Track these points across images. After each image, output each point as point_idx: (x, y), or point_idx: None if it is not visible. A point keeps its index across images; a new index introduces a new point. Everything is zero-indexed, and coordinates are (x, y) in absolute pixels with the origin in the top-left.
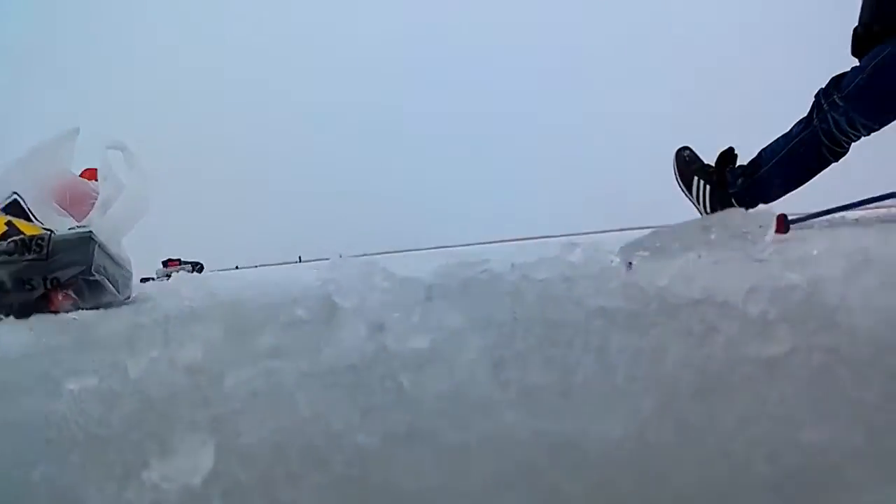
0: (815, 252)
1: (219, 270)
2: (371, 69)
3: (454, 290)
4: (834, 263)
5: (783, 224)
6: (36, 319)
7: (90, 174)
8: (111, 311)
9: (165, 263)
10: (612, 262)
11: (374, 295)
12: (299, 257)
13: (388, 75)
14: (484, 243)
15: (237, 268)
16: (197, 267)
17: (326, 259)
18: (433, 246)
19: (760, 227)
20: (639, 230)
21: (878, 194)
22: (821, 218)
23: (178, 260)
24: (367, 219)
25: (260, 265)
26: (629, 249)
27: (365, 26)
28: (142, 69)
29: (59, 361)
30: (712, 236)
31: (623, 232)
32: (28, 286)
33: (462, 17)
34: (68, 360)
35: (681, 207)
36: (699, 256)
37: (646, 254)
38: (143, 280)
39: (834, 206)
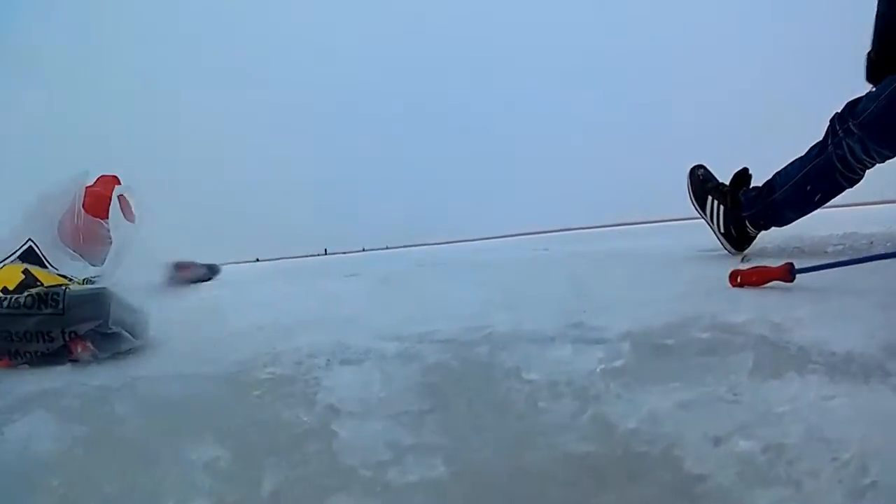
0: (779, 410)
1: (239, 263)
2: (391, 63)
3: (448, 397)
4: (791, 430)
5: (790, 273)
6: (57, 391)
7: (109, 180)
8: (128, 372)
9: (178, 267)
10: (598, 368)
11: (372, 423)
12: (325, 249)
13: (408, 68)
14: (497, 237)
15: (258, 260)
16: (214, 270)
17: (352, 252)
18: (454, 240)
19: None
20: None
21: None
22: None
23: (192, 263)
24: (390, 212)
25: (281, 258)
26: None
27: (379, 21)
28: (156, 64)
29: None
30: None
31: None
32: (48, 338)
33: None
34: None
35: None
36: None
37: (625, 379)
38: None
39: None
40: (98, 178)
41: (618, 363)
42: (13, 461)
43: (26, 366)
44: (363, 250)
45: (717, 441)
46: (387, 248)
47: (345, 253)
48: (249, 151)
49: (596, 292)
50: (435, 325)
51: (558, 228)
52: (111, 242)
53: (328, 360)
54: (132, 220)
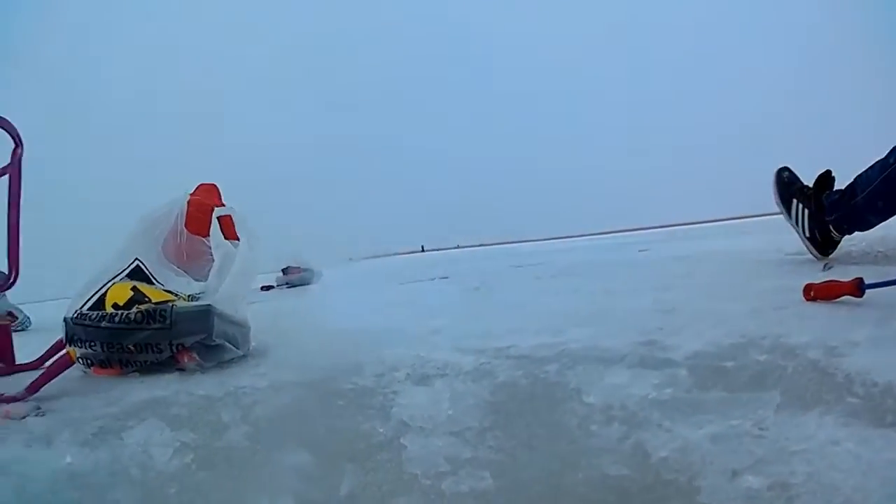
0: (793, 448)
1: (336, 262)
2: (487, 64)
3: (510, 416)
4: (798, 470)
5: (859, 288)
6: (166, 399)
7: (208, 188)
8: (231, 382)
9: (285, 271)
10: (650, 395)
11: (437, 439)
12: (422, 247)
13: (502, 68)
14: (601, 234)
15: (350, 259)
16: (314, 274)
17: (447, 249)
18: (556, 236)
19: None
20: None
21: None
22: None
23: (298, 268)
24: (483, 211)
25: (376, 256)
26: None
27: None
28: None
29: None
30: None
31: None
32: (156, 349)
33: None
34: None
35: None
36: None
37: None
38: (265, 288)
39: None
40: (198, 187)
41: (668, 391)
42: (133, 465)
43: (136, 374)
44: (458, 247)
45: (733, 475)
46: (482, 245)
47: (439, 250)
48: (341, 150)
49: (678, 304)
50: (513, 340)
51: (664, 224)
52: (213, 258)
53: (408, 373)
54: (236, 239)
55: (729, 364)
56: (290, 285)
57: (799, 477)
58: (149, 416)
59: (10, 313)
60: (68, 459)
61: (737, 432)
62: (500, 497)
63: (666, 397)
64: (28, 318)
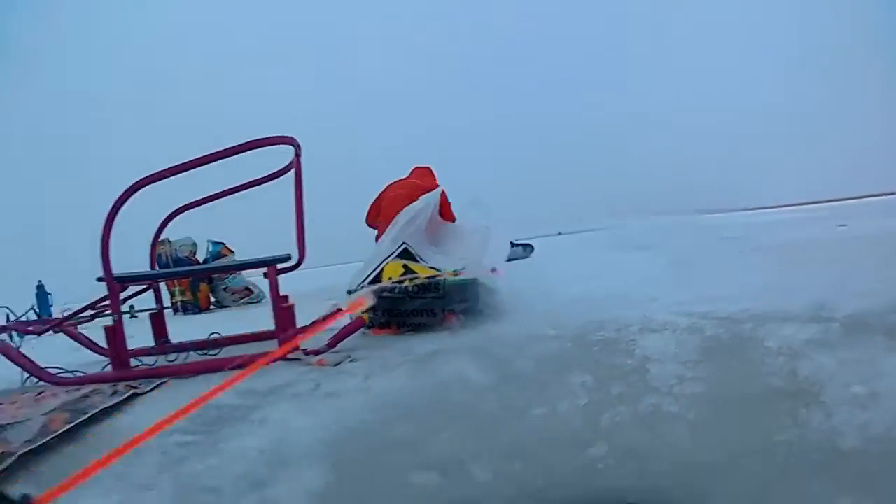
0: (887, 372)
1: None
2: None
3: (715, 354)
4: (886, 387)
5: None
6: (450, 349)
7: (422, 171)
8: (494, 337)
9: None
10: (808, 338)
11: (668, 366)
12: (619, 220)
13: None
14: (803, 204)
15: (559, 234)
16: (528, 250)
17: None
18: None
19: None
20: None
21: None
22: None
23: (512, 242)
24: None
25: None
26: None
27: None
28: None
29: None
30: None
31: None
32: (430, 314)
33: None
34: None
35: None
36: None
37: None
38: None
39: None
40: (413, 169)
41: (821, 336)
42: (453, 382)
43: (410, 332)
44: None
45: (845, 385)
46: (690, 214)
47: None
48: (545, 130)
49: (849, 279)
50: (717, 305)
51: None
52: (460, 239)
53: (640, 328)
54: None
55: (873, 321)
56: (512, 260)
57: (887, 388)
58: (444, 356)
59: (247, 288)
60: (401, 382)
61: (857, 360)
62: (707, 397)
63: (818, 340)
64: (262, 291)
